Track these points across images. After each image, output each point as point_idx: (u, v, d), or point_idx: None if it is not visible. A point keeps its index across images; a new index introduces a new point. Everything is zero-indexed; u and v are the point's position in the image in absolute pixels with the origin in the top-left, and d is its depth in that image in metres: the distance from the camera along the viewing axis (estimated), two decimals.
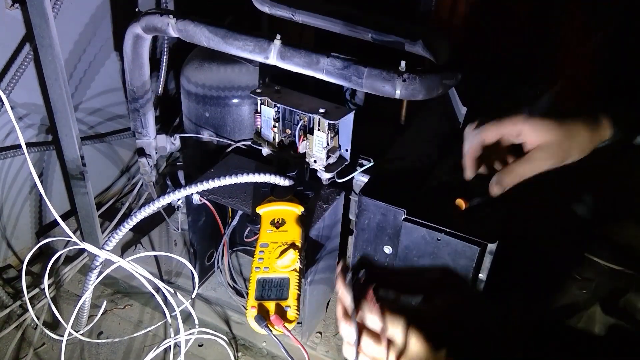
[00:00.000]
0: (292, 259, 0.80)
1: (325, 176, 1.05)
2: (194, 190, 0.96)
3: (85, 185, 1.11)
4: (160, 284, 0.99)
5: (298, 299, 0.77)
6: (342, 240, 1.12)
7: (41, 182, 1.32)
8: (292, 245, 0.83)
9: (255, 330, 0.75)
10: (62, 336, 0.98)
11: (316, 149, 1.03)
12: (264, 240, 0.85)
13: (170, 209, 1.36)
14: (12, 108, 0.79)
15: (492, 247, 0.79)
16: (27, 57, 1.14)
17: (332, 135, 1.02)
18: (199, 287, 1.16)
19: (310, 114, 1.02)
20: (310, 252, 0.95)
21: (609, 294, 0.92)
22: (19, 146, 1.19)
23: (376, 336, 0.49)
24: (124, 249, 1.33)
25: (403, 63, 0.89)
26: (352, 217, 1.11)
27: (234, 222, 1.11)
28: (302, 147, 1.05)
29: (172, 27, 1.03)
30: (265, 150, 1.11)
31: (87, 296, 1.03)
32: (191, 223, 1.11)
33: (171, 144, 1.31)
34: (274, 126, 1.08)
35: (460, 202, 0.86)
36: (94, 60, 1.34)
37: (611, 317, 0.84)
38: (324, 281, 1.08)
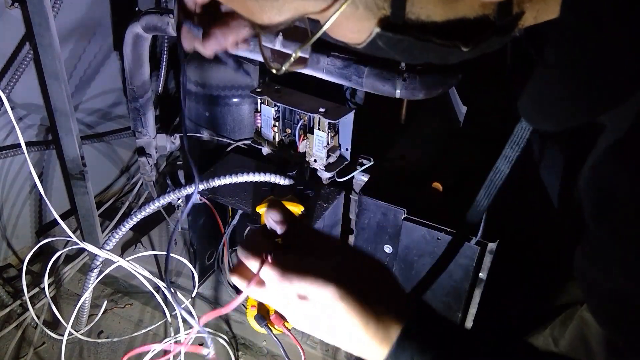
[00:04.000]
0: None
1: (325, 175, 1.05)
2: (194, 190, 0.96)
3: (85, 184, 1.11)
4: (160, 284, 0.99)
5: None
6: (342, 240, 1.12)
7: (41, 181, 1.32)
8: None
9: (256, 330, 0.75)
10: (62, 335, 0.99)
11: (316, 148, 1.03)
12: None
13: (170, 208, 1.36)
14: (12, 108, 0.79)
15: (492, 246, 0.79)
16: (27, 56, 1.14)
17: (332, 135, 1.02)
18: (199, 287, 1.16)
19: (310, 114, 1.02)
20: None
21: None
22: (18, 146, 1.19)
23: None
24: (124, 248, 1.33)
25: (403, 62, 0.89)
26: (352, 216, 1.11)
27: (234, 222, 1.11)
28: (302, 147, 1.05)
29: (172, 26, 1.03)
30: (266, 150, 1.11)
31: (87, 295, 1.03)
32: (191, 222, 1.11)
33: (171, 143, 1.31)
34: (274, 125, 1.08)
35: (438, 186, 0.88)
36: (94, 60, 1.34)
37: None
38: None
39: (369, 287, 0.47)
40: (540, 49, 0.43)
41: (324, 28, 0.38)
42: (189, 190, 0.97)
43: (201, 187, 0.97)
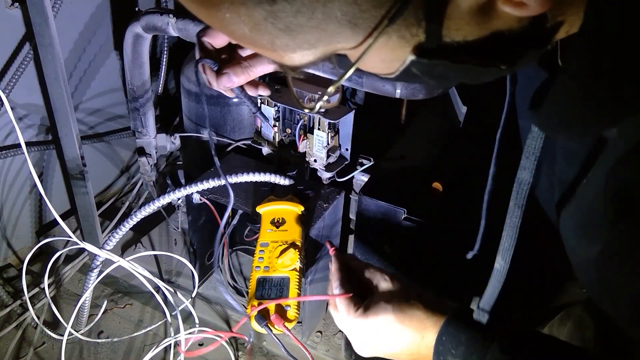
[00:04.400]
0: (292, 258, 0.80)
1: (325, 175, 1.05)
2: (194, 190, 0.96)
3: (85, 184, 1.11)
4: (160, 284, 0.99)
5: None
6: (342, 240, 1.12)
7: (41, 181, 1.32)
8: (292, 245, 0.83)
9: (256, 330, 0.75)
10: (62, 335, 0.98)
11: (316, 148, 1.03)
12: (264, 240, 0.85)
13: (170, 208, 1.36)
14: (12, 108, 0.79)
15: None
16: (27, 56, 1.14)
17: (332, 135, 1.02)
18: (199, 287, 1.16)
19: (310, 113, 1.02)
20: (310, 251, 0.95)
21: None
22: (19, 146, 1.19)
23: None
24: (124, 248, 1.33)
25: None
26: (352, 216, 1.11)
27: (234, 222, 1.11)
28: (302, 147, 1.05)
29: (172, 26, 1.02)
30: (266, 150, 1.11)
31: (87, 295, 1.03)
32: (191, 222, 1.11)
33: (171, 143, 1.31)
34: (274, 125, 1.08)
35: (438, 185, 0.88)
36: (94, 60, 1.34)
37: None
38: (324, 280, 1.08)
39: (415, 301, 0.63)
40: (550, 60, 0.43)
41: (356, 65, 0.37)
42: (188, 189, 0.97)
43: (201, 187, 0.97)
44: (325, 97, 0.43)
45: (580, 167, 0.48)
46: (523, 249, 0.62)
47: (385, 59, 0.38)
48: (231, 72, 0.67)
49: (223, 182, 0.95)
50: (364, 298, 0.68)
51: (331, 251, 0.86)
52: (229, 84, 0.68)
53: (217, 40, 0.69)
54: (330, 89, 0.40)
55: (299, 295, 0.78)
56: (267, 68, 0.69)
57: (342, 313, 0.67)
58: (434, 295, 0.66)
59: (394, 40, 0.35)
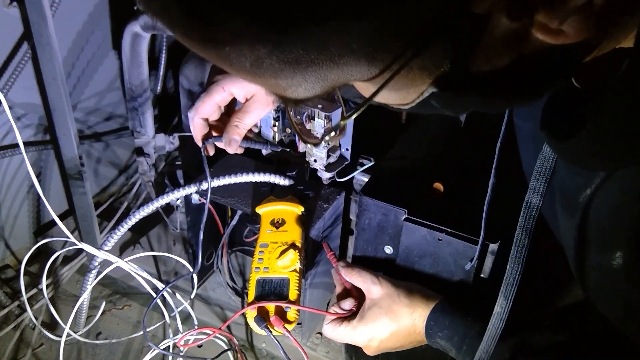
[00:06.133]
0: (292, 259, 0.80)
1: (325, 176, 1.05)
2: (193, 190, 0.96)
3: (84, 184, 1.10)
4: (159, 285, 0.98)
5: (298, 300, 0.77)
6: (342, 240, 1.12)
7: (39, 181, 1.32)
8: (292, 246, 0.82)
9: (255, 331, 0.75)
10: (61, 337, 0.98)
11: (316, 148, 1.02)
12: (263, 241, 0.84)
13: (169, 208, 1.35)
14: (10, 107, 0.78)
15: (493, 247, 0.79)
16: (25, 56, 1.13)
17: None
18: (198, 288, 1.16)
19: (311, 109, 1.01)
20: (310, 252, 0.94)
21: None
22: (16, 145, 1.18)
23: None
24: (122, 249, 1.33)
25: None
26: (352, 216, 1.10)
27: (234, 222, 1.10)
28: (302, 147, 1.04)
29: None
30: (265, 150, 1.11)
31: (85, 296, 1.03)
32: (190, 223, 1.10)
33: (170, 143, 1.31)
34: (274, 125, 1.07)
35: (439, 186, 0.88)
36: (93, 59, 1.33)
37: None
38: (324, 281, 1.08)
39: (404, 298, 0.74)
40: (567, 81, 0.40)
41: (368, 102, 0.34)
42: (187, 190, 0.96)
43: (200, 187, 0.97)
44: (332, 134, 0.44)
45: (585, 178, 0.47)
46: (529, 282, 0.62)
47: (402, 90, 0.35)
48: (234, 135, 0.80)
49: (223, 182, 0.94)
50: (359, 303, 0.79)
51: (329, 255, 0.87)
52: (236, 145, 0.81)
53: (208, 113, 0.80)
54: (339, 125, 0.40)
55: (299, 296, 0.77)
56: (256, 116, 0.80)
57: (342, 330, 0.77)
58: (421, 288, 0.77)
59: (414, 73, 0.32)
